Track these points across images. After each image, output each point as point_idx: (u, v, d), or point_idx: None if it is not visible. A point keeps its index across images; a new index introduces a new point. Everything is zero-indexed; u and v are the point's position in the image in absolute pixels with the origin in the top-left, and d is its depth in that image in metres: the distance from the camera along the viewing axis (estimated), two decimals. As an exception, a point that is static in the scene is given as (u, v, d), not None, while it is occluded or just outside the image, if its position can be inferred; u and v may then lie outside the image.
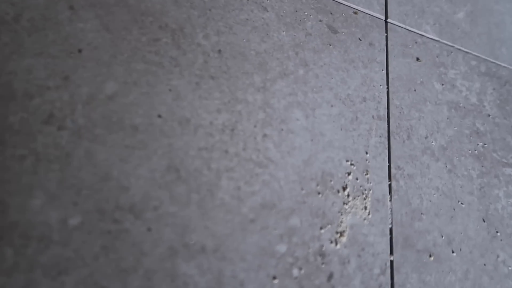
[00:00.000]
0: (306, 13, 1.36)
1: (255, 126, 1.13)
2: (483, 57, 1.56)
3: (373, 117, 1.28)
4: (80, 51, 1.04)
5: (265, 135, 1.13)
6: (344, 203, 1.13)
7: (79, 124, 0.97)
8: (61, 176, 0.90)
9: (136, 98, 1.04)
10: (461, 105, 1.43)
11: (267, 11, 1.31)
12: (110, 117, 1.00)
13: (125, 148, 0.99)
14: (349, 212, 1.12)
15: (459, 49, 1.53)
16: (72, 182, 0.91)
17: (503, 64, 1.58)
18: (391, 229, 1.14)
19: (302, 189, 1.10)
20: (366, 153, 1.23)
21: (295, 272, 1.05)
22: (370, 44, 1.41)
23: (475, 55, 1.55)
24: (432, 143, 1.32)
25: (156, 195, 0.96)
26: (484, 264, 1.25)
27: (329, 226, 1.10)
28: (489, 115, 1.45)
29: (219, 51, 1.19)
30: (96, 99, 1.01)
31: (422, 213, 1.20)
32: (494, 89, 1.52)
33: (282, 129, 1.16)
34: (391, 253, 1.13)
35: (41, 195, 0.88)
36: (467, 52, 1.54)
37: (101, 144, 0.97)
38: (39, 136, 0.93)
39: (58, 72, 1.00)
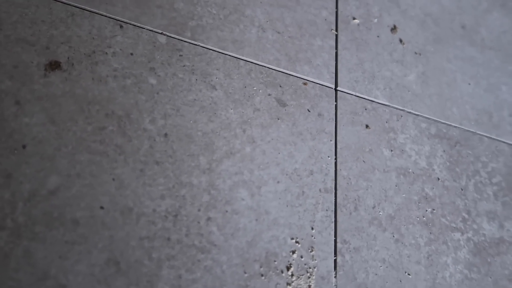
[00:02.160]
0: (255, 88, 1.41)
1: (199, 210, 1.16)
2: (434, 118, 1.61)
3: (320, 190, 1.32)
4: (24, 146, 1.08)
5: (209, 219, 1.16)
6: (287, 284, 1.16)
7: (19, 223, 1.00)
8: (-4, 283, 0.93)
9: (79, 191, 1.08)
10: (410, 170, 1.47)
11: (216, 90, 1.36)
12: (51, 213, 1.03)
13: (65, 244, 1.01)
14: (292, 293, 1.15)
15: (409, 112, 1.58)
16: (10, 285, 0.94)
17: (453, 124, 1.63)
18: (335, 307, 1.17)
19: (245, 272, 1.13)
20: (312, 228, 1.26)
21: None
22: (319, 114, 1.45)
23: (425, 117, 1.60)
24: (380, 213, 1.35)
25: (93, 293, 0.99)
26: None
27: (270, 310, 1.12)
28: (438, 179, 1.49)
29: (165, 134, 1.23)
30: (38, 195, 1.04)
31: (367, 288, 1.23)
32: (444, 151, 1.56)
33: (227, 211, 1.19)
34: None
35: (-25, 303, 0.91)
36: (417, 115, 1.59)
37: (40, 242, 1.00)
38: (-21, 239, 0.96)
39: (0, 171, 1.03)
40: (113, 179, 1.12)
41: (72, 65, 1.22)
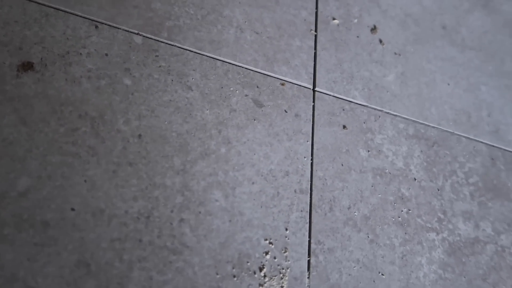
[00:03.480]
0: (231, 88, 1.41)
1: (172, 211, 1.17)
2: (412, 119, 1.62)
3: (295, 191, 1.33)
4: (-6, 148, 1.07)
5: (181, 220, 1.17)
6: (260, 285, 1.16)
7: (-12, 225, 1.00)
8: (-39, 286, 0.93)
9: (50, 193, 1.08)
10: (387, 171, 1.48)
11: (192, 90, 1.36)
12: (21, 215, 1.03)
13: (34, 246, 1.01)
14: (265, 294, 1.16)
15: (387, 113, 1.59)
16: (-24, 287, 0.94)
17: (431, 125, 1.64)
18: (307, 308, 1.18)
19: (217, 273, 1.13)
20: (286, 229, 1.26)
21: None
22: (296, 115, 1.46)
23: (403, 118, 1.61)
24: (355, 214, 1.36)
25: (61, 296, 0.99)
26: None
27: (241, 311, 1.13)
28: (415, 179, 1.51)
29: (139, 135, 1.23)
30: (7, 197, 1.04)
31: (340, 288, 1.24)
32: (421, 151, 1.57)
33: (200, 212, 1.19)
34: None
35: None
36: (395, 115, 1.60)
37: (9, 244, 1.00)
38: None
39: (-30, 172, 1.03)
40: (85, 181, 1.12)
41: (45, 66, 1.22)
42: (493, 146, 1.74)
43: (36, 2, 1.30)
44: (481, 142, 1.72)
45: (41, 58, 1.22)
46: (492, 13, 2.21)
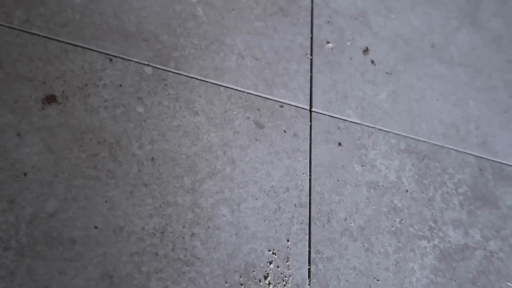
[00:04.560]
0: (234, 112, 1.54)
1: (183, 227, 1.29)
2: (403, 134, 1.75)
3: (295, 205, 1.45)
4: (25, 174, 1.21)
5: (193, 234, 1.29)
6: (265, 292, 1.28)
7: (23, 243, 1.13)
8: (2, 297, 1.06)
9: (75, 213, 1.21)
10: (380, 184, 1.60)
11: (198, 115, 1.49)
12: (51, 234, 1.16)
13: (64, 261, 1.14)
14: (269, 300, 1.28)
15: (380, 129, 1.72)
16: (14, 299, 1.07)
17: (422, 139, 1.77)
18: (309, 312, 1.30)
19: (226, 282, 1.26)
20: (288, 240, 1.39)
21: None
22: (295, 134, 1.59)
23: (395, 133, 1.73)
24: (351, 224, 1.48)
25: (88, 305, 1.12)
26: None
27: (248, 316, 1.25)
28: (407, 191, 1.63)
29: (152, 159, 1.36)
30: (38, 217, 1.17)
31: (339, 293, 1.36)
32: (412, 164, 1.69)
33: (209, 227, 1.32)
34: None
35: (-15, 316, 1.04)
36: (387, 131, 1.72)
37: (41, 260, 1.13)
38: (-14, 259, 1.09)
39: (4, 197, 1.16)
40: (106, 201, 1.25)
41: (67, 98, 1.36)
42: (481, 157, 1.86)
43: (56, 40, 1.44)
44: (470, 154, 1.84)
45: (63, 91, 1.37)
46: (480, 30, 2.34)
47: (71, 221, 1.19)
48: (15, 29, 1.41)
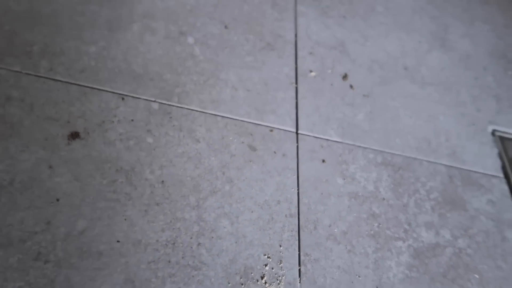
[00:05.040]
0: (230, 138, 1.80)
1: (191, 238, 1.54)
2: (380, 149, 2.00)
3: (285, 215, 1.70)
4: (58, 200, 1.46)
5: (199, 244, 1.54)
6: (262, 290, 1.52)
7: (59, 257, 1.38)
8: (47, 301, 1.30)
9: (100, 230, 1.46)
10: (360, 194, 1.85)
11: (199, 142, 1.75)
12: (82, 248, 1.41)
13: (94, 270, 1.39)
14: (266, 296, 1.52)
15: (359, 146, 1.97)
16: (56, 302, 1.31)
17: (397, 153, 2.02)
18: (300, 305, 1.53)
19: (228, 283, 1.50)
20: (280, 246, 1.63)
21: None
22: (284, 154, 1.84)
23: (372, 149, 1.98)
24: (335, 230, 1.73)
25: (116, 305, 1.36)
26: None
27: (248, 310, 1.49)
28: (384, 199, 1.87)
29: (162, 181, 1.61)
30: (71, 235, 1.42)
31: (325, 289, 1.59)
32: (388, 175, 1.94)
33: (213, 237, 1.57)
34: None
35: (34, 316, 1.28)
36: (366, 148, 1.98)
37: (75, 270, 1.37)
38: (31, 270, 1.33)
39: (42, 219, 1.42)
40: (125, 219, 1.50)
41: (88, 133, 1.61)
42: (450, 166, 2.11)
43: (76, 84, 1.71)
44: (440, 163, 2.09)
45: (84, 128, 1.63)
46: (449, 51, 2.61)
47: (98, 237, 1.44)
48: (42, 77, 1.67)
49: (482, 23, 2.87)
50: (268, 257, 1.58)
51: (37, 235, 1.38)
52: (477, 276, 1.80)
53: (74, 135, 1.60)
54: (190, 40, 2.01)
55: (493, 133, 2.32)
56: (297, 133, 1.91)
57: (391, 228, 1.80)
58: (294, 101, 2.01)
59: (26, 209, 1.41)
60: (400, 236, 1.80)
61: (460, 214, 1.95)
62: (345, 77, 2.20)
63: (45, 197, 1.44)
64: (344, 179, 1.86)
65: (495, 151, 2.25)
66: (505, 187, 2.13)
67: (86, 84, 1.71)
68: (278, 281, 1.54)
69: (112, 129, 1.64)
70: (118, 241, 1.44)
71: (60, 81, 1.68)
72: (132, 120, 1.69)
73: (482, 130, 2.30)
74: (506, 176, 2.18)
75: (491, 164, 2.19)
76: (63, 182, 1.48)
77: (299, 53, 2.18)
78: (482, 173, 2.14)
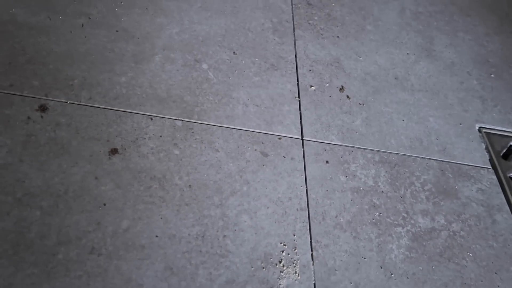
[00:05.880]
0: (245, 147, 2.09)
1: (217, 231, 1.81)
2: (377, 149, 2.27)
3: (297, 209, 1.97)
4: (104, 204, 1.75)
5: (224, 236, 1.81)
6: (280, 272, 1.78)
7: (110, 250, 1.66)
8: (103, 285, 1.58)
9: (141, 227, 1.74)
10: (361, 188, 2.12)
11: (218, 152, 2.04)
12: (127, 242, 1.69)
13: (138, 260, 1.66)
14: (284, 277, 1.77)
15: (358, 148, 2.25)
16: (110, 287, 1.58)
17: (392, 152, 2.29)
18: (314, 284, 1.79)
19: (251, 267, 1.76)
20: (294, 235, 1.89)
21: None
22: (292, 158, 2.12)
23: (370, 150, 2.26)
24: (341, 220, 1.99)
25: (160, 286, 1.63)
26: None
27: (270, 288, 1.75)
28: (382, 192, 2.14)
29: (190, 186, 1.90)
30: (117, 233, 1.70)
31: (336, 270, 1.85)
32: (386, 171, 2.21)
33: (235, 230, 1.84)
34: (314, 299, 1.76)
35: (94, 297, 1.55)
36: (364, 149, 2.25)
37: (123, 260, 1.65)
38: (88, 262, 1.61)
39: (93, 220, 1.70)
40: (161, 218, 1.78)
41: (125, 149, 1.92)
42: (442, 161, 2.37)
43: (112, 109, 2.02)
44: (432, 159, 2.36)
45: (121, 145, 1.93)
46: (435, 60, 2.90)
47: (140, 233, 1.72)
48: (83, 105, 1.99)
49: (464, 33, 3.17)
50: (284, 245, 1.84)
51: (90, 233, 1.66)
52: (470, 254, 2.04)
53: (114, 151, 1.90)
54: (204, 66, 2.32)
55: (480, 130, 2.58)
56: (302, 140, 2.20)
57: (391, 216, 2.06)
58: (298, 112, 2.30)
59: (80, 213, 1.70)
60: (399, 223, 2.05)
61: (452, 202, 2.20)
62: (341, 89, 2.49)
63: (94, 203, 1.73)
64: (346, 176, 2.13)
65: (482, 146, 2.51)
66: (493, 177, 2.38)
67: (120, 109, 2.02)
68: (294, 264, 1.80)
69: (145, 144, 1.94)
70: (156, 236, 1.72)
71: (99, 107, 1.99)
72: (161, 136, 1.99)
73: (470, 128, 2.57)
74: (494, 167, 2.43)
75: (479, 157, 2.45)
76: (108, 190, 1.77)
77: (300, 71, 2.49)
78: (472, 166, 2.40)
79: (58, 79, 2.03)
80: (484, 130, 2.57)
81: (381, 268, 1.88)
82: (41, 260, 1.56)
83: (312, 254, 1.84)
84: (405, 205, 2.12)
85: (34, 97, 1.95)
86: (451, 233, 2.09)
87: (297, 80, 2.43)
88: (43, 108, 1.93)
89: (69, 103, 1.98)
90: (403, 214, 2.09)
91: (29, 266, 1.53)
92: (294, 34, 2.69)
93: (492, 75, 2.92)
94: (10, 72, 1.99)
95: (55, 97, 1.97)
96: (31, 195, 1.68)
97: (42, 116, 1.90)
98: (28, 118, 1.88)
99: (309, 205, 1.98)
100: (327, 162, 2.15)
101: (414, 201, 2.15)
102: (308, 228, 1.91)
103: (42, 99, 1.96)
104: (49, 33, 2.19)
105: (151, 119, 2.04)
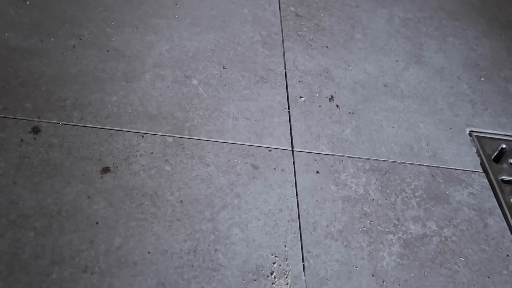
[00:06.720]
0: (235, 160, 2.12)
1: (209, 245, 1.84)
2: (367, 157, 2.30)
3: (288, 220, 2.00)
4: (97, 223, 1.79)
5: (216, 250, 1.84)
6: (272, 283, 1.81)
7: (103, 268, 1.69)
8: (97, 302, 1.61)
9: (134, 244, 1.77)
10: (352, 197, 2.14)
11: (209, 166, 2.07)
12: (120, 260, 1.72)
13: (131, 277, 1.70)
14: (276, 288, 1.80)
15: (348, 157, 2.28)
16: (103, 304, 1.62)
17: (383, 159, 2.32)
18: (306, 294, 1.81)
19: (243, 279, 1.79)
20: (285, 246, 1.92)
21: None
22: (282, 170, 2.15)
23: (360, 158, 2.29)
24: (332, 229, 2.01)
25: (152, 302, 1.66)
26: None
27: (262, 300, 1.77)
28: (373, 200, 2.16)
29: (181, 201, 1.93)
30: (110, 250, 1.74)
31: (327, 279, 1.87)
32: (376, 179, 2.24)
33: (227, 243, 1.87)
34: (305, 310, 1.78)
35: (88, 315, 1.58)
36: (354, 157, 2.28)
37: (116, 278, 1.68)
38: (81, 280, 1.65)
39: (86, 239, 1.74)
40: (153, 234, 1.81)
41: (117, 167, 1.95)
42: (432, 166, 2.39)
43: (103, 128, 2.06)
44: (423, 165, 2.38)
45: (113, 163, 1.97)
46: (424, 66, 2.93)
47: (132, 250, 1.75)
48: (75, 125, 2.03)
49: (453, 38, 3.20)
50: (275, 256, 1.87)
51: (83, 252, 1.70)
52: (463, 259, 2.06)
53: (106, 170, 1.94)
54: (194, 81, 2.37)
55: (471, 134, 2.60)
56: (292, 151, 2.23)
57: (382, 224, 2.08)
58: (288, 124, 2.33)
59: (73, 232, 1.73)
60: (390, 230, 2.07)
61: (444, 207, 2.22)
62: (331, 99, 2.52)
63: (86, 222, 1.77)
64: (337, 185, 2.16)
65: (473, 149, 2.53)
66: (485, 180, 2.40)
67: (112, 127, 2.06)
68: (286, 275, 1.82)
69: (136, 162, 1.98)
70: (149, 252, 1.75)
71: (90, 127, 2.04)
72: (152, 153, 2.03)
73: (460, 133, 2.59)
74: (485, 170, 2.45)
75: (470, 161, 2.47)
76: (100, 209, 1.81)
77: (289, 82, 2.52)
78: (462, 170, 2.42)
79: (51, 101, 2.08)
80: (474, 134, 2.59)
81: (373, 276, 1.90)
82: (35, 280, 1.59)
83: (303, 265, 1.87)
84: (396, 212, 2.14)
85: (27, 120, 2.00)
86: (443, 239, 2.11)
87: (287, 92, 2.47)
88: (36, 130, 1.97)
89: (62, 124, 2.02)
90: (394, 221, 2.11)
91: (24, 287, 1.57)
92: (283, 46, 2.73)
93: (482, 78, 2.95)
94: (4, 95, 2.04)
95: (48, 118, 2.02)
96: (25, 216, 1.72)
97: (35, 138, 1.95)
98: (21, 140, 1.93)
99: (300, 215, 2.01)
100: (317, 172, 2.18)
101: (405, 208, 2.17)
102: (299, 238, 1.94)
103: (35, 121, 2.00)
104: (41, 56, 2.24)
105: (142, 136, 2.08)
